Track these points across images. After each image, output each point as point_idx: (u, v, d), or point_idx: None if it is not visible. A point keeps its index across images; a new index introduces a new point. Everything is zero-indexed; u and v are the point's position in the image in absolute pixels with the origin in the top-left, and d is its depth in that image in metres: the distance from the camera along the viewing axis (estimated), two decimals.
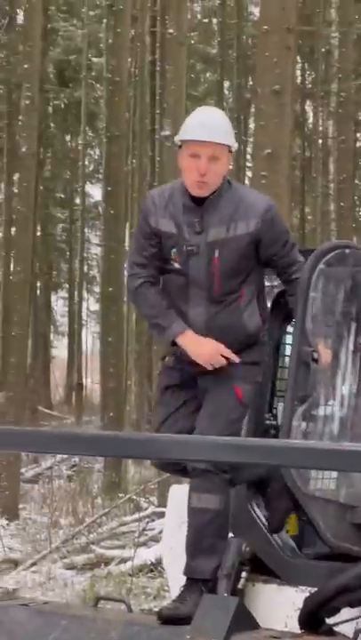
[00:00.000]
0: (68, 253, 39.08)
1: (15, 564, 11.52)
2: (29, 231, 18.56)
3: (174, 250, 4.56)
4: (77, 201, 35.45)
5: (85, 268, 34.70)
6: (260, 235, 4.56)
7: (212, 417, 4.60)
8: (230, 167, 4.69)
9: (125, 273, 4.75)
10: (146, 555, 10.77)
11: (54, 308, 41.98)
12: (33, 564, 11.13)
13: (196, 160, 4.43)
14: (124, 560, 10.86)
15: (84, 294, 36.93)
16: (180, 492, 5.31)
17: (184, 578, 5.09)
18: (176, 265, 4.57)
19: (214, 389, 4.65)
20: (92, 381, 33.85)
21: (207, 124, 4.56)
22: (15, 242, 19.29)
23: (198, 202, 4.54)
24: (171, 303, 4.62)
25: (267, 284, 5.30)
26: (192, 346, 4.51)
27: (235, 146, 4.66)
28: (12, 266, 23.22)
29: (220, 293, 4.57)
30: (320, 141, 30.81)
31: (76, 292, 32.97)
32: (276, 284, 5.26)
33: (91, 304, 41.93)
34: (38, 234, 30.08)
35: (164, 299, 4.62)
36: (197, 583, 4.50)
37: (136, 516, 12.83)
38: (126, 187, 21.79)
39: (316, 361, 4.75)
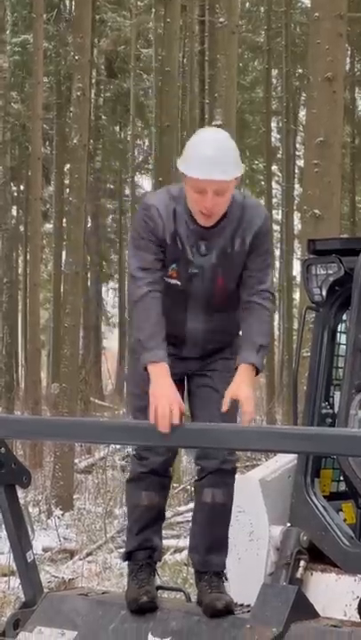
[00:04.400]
0: (118, 244, 39.24)
1: (71, 554, 11.58)
2: (81, 222, 18.61)
3: (174, 266, 4.32)
4: (127, 192, 35.58)
5: None
6: (252, 246, 4.30)
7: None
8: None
9: (128, 281, 4.42)
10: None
11: (105, 300, 42.19)
12: (88, 554, 11.17)
13: (203, 195, 4.14)
14: (179, 550, 10.87)
15: None
16: (237, 482, 5.32)
17: (242, 568, 5.10)
18: (173, 281, 4.33)
19: (217, 374, 4.49)
20: None
21: (214, 157, 4.12)
22: (67, 233, 19.34)
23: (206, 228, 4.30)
24: (167, 310, 4.32)
25: (322, 272, 5.30)
26: (156, 383, 4.14)
27: (242, 171, 4.31)
28: (63, 257, 23.38)
29: (219, 305, 4.38)
30: None
31: (126, 283, 33.02)
32: (331, 272, 5.24)
33: None
34: (89, 225, 30.16)
35: (162, 317, 4.29)
36: (217, 575, 4.49)
37: (190, 505, 12.84)
38: (177, 177, 21.83)
39: None
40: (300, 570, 4.68)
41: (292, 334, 27.15)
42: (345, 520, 4.96)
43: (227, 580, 4.69)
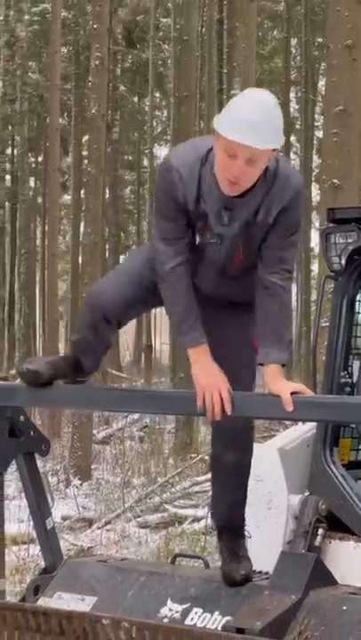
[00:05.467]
0: (136, 215, 39.20)
1: (89, 522, 11.63)
2: (99, 193, 18.57)
3: (198, 225, 4.01)
4: (145, 163, 35.51)
5: None
6: (278, 220, 3.96)
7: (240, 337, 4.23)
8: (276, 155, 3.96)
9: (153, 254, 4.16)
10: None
11: None
12: (107, 523, 11.22)
13: (232, 159, 3.75)
14: (197, 519, 10.92)
15: None
16: (256, 451, 5.32)
17: (260, 536, 5.11)
18: (202, 244, 4.05)
19: (232, 327, 4.26)
20: (161, 342, 33.95)
21: (252, 121, 3.69)
22: (85, 204, 19.32)
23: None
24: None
25: (341, 240, 5.27)
26: (198, 367, 4.00)
27: (281, 143, 3.91)
28: (81, 228, 23.37)
29: (234, 274, 4.13)
30: None
31: None
32: (350, 240, 5.22)
33: None
34: (107, 196, 30.13)
35: (191, 291, 4.07)
36: (237, 534, 4.44)
37: (208, 475, 12.88)
38: None
39: None
40: (319, 538, 4.67)
41: (310, 305, 27.13)
42: None
43: (249, 536, 4.68)
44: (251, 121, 3.68)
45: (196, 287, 4.11)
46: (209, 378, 3.91)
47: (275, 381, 3.86)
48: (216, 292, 4.20)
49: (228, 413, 3.85)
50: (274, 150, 3.81)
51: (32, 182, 37.18)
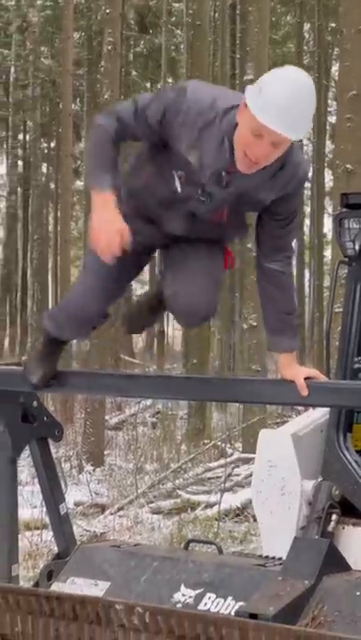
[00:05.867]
0: None
1: (102, 508, 11.66)
2: None
3: (179, 173, 3.77)
4: None
5: None
6: (279, 202, 3.83)
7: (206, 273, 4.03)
8: None
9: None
10: (232, 500, 10.86)
11: None
12: (120, 509, 11.25)
13: (258, 139, 3.55)
14: (210, 505, 10.95)
15: None
16: (269, 437, 5.33)
17: (274, 522, 5.13)
18: (174, 187, 3.82)
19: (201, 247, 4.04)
20: (173, 328, 33.98)
21: (289, 108, 3.50)
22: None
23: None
24: (145, 204, 3.93)
25: (355, 225, 5.26)
26: (99, 214, 3.77)
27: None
28: None
29: (209, 227, 3.95)
30: None
31: None
32: (357, 225, 5.22)
33: None
34: None
35: (115, 153, 3.84)
36: None
37: (221, 462, 12.91)
38: None
39: None
40: (332, 523, 4.69)
41: (322, 291, 27.09)
42: None
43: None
44: (286, 107, 3.49)
45: (156, 224, 3.98)
46: (107, 217, 3.74)
47: (289, 367, 3.87)
48: (183, 232, 3.97)
49: (119, 254, 3.75)
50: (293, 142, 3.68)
51: (44, 168, 37.18)
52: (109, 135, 3.81)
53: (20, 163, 37.25)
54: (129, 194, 3.96)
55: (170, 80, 31.52)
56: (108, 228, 3.71)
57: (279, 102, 3.48)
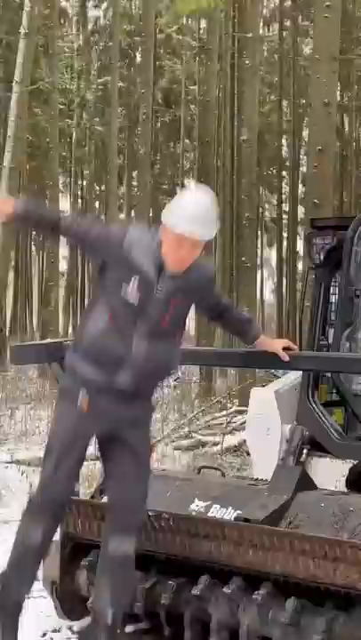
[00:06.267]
0: None
1: None
2: (146, 213, 18.60)
3: (135, 280, 3.39)
4: (178, 191, 35.36)
5: None
6: (206, 287, 3.60)
7: (142, 458, 3.68)
8: None
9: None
10: (231, 440, 10.83)
11: None
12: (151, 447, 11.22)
13: (181, 247, 3.38)
14: (215, 443, 10.91)
15: None
16: (258, 394, 5.32)
17: (261, 455, 5.09)
18: (129, 299, 3.39)
19: (140, 427, 3.65)
20: (189, 319, 33.73)
21: (197, 218, 3.36)
22: (134, 222, 19.33)
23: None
24: (116, 330, 3.43)
25: (320, 242, 5.23)
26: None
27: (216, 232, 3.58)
28: None
29: (163, 332, 3.47)
30: (353, 143, 30.31)
31: None
32: (327, 242, 5.18)
33: None
34: (150, 214, 30.15)
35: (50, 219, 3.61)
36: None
37: (223, 413, 12.88)
38: (215, 179, 21.62)
39: (358, 297, 4.69)
40: (304, 456, 4.65)
41: (295, 292, 26.96)
42: (336, 421, 4.95)
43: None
44: (197, 217, 3.35)
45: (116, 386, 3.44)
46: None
47: (268, 344, 3.81)
48: (148, 354, 3.43)
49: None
50: (202, 243, 3.46)
51: (97, 204, 37.21)
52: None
53: (79, 200, 37.32)
54: (93, 359, 3.45)
55: (186, 141, 31.49)
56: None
57: (189, 212, 3.36)
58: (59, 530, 3.86)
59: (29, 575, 3.51)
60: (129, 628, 4.12)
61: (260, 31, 23.63)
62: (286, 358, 3.77)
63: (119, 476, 3.60)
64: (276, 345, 3.79)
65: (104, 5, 32.35)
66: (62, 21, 31.24)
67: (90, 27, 32.82)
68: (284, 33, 29.15)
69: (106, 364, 3.40)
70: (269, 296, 42.62)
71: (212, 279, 3.71)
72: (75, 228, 3.58)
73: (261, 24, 26.42)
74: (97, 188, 36.71)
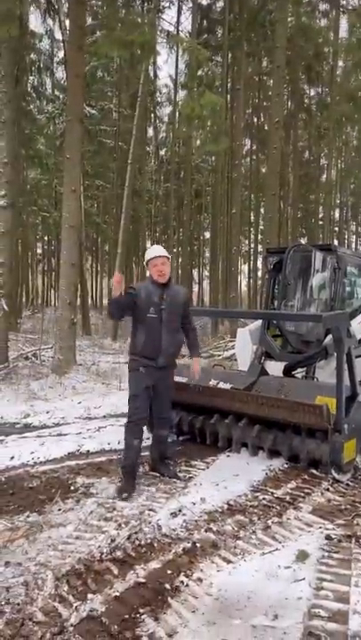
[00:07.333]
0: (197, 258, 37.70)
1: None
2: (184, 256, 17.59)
3: (152, 308, 3.09)
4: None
5: None
6: (185, 302, 3.23)
7: (168, 389, 3.27)
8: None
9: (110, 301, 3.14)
10: (227, 354, 10.67)
11: None
12: (183, 356, 11.06)
13: (157, 265, 3.11)
14: (220, 355, 10.81)
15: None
16: (240, 331, 5.16)
17: (242, 360, 4.80)
18: (153, 315, 3.09)
19: (168, 377, 3.25)
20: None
21: (158, 249, 3.16)
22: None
23: (162, 285, 3.16)
24: (148, 331, 3.12)
25: (271, 259, 5.01)
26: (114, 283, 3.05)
27: (169, 257, 3.17)
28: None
29: (175, 327, 3.17)
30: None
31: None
32: (275, 259, 4.96)
33: None
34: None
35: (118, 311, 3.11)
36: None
37: (223, 340, 12.70)
38: (221, 233, 20.70)
39: (288, 285, 4.57)
40: (262, 359, 4.54)
41: (257, 285, 26.20)
42: (277, 343, 4.80)
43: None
44: (156, 249, 3.15)
45: (150, 356, 3.12)
46: (114, 281, 3.03)
47: (194, 362, 3.38)
48: (170, 342, 3.15)
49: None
50: (169, 259, 3.15)
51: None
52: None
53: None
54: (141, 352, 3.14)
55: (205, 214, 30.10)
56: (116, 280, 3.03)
57: (154, 250, 3.16)
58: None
59: (137, 457, 3.16)
60: (181, 438, 4.06)
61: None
62: (197, 376, 3.36)
63: (158, 398, 3.24)
64: (195, 363, 3.37)
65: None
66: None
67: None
68: None
69: (151, 355, 3.13)
70: (244, 287, 41.91)
71: (188, 296, 3.32)
72: (123, 305, 3.12)
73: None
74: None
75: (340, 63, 15.95)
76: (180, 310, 3.21)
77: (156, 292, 3.14)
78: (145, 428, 3.40)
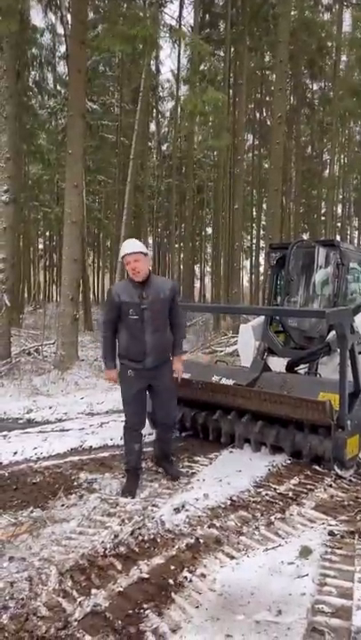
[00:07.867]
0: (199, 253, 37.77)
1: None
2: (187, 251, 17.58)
3: (132, 310, 2.91)
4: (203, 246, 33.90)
5: None
6: (171, 296, 3.01)
7: (168, 390, 3.13)
8: (150, 263, 3.02)
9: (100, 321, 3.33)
10: (229, 350, 10.69)
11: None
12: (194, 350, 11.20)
13: (130, 263, 2.90)
14: (222, 351, 10.82)
15: None
16: (243, 327, 5.16)
17: (245, 356, 4.82)
18: (134, 316, 2.92)
19: (163, 377, 3.09)
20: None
21: (130, 245, 2.94)
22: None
23: (140, 283, 2.96)
24: (131, 333, 2.95)
25: (274, 254, 5.01)
26: (106, 373, 3.02)
27: (147, 252, 2.96)
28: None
29: (161, 325, 2.99)
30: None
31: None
32: (278, 254, 4.95)
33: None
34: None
35: (114, 346, 3.00)
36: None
37: (225, 336, 12.69)
38: (223, 229, 20.73)
39: (292, 280, 4.55)
40: (265, 355, 4.55)
41: (259, 281, 26.20)
42: (280, 339, 4.80)
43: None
44: (129, 244, 2.92)
45: (136, 360, 2.97)
46: (109, 374, 3.02)
47: (176, 360, 3.12)
48: (156, 342, 2.98)
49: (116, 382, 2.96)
50: (145, 255, 2.92)
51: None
52: (107, 338, 2.99)
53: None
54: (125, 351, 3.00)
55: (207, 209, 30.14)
56: (109, 376, 2.99)
57: (126, 246, 2.93)
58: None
59: (139, 459, 3.06)
60: (183, 434, 4.04)
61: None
62: (180, 375, 3.15)
63: (158, 400, 3.11)
64: (177, 362, 3.13)
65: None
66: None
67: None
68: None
69: (136, 357, 2.96)
70: (247, 283, 41.83)
71: (175, 290, 3.04)
72: (109, 321, 3.00)
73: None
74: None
75: (344, 58, 15.71)
76: (166, 306, 2.99)
77: (136, 291, 2.94)
78: (148, 423, 3.44)
